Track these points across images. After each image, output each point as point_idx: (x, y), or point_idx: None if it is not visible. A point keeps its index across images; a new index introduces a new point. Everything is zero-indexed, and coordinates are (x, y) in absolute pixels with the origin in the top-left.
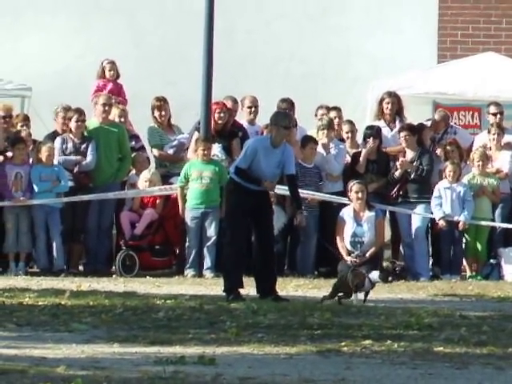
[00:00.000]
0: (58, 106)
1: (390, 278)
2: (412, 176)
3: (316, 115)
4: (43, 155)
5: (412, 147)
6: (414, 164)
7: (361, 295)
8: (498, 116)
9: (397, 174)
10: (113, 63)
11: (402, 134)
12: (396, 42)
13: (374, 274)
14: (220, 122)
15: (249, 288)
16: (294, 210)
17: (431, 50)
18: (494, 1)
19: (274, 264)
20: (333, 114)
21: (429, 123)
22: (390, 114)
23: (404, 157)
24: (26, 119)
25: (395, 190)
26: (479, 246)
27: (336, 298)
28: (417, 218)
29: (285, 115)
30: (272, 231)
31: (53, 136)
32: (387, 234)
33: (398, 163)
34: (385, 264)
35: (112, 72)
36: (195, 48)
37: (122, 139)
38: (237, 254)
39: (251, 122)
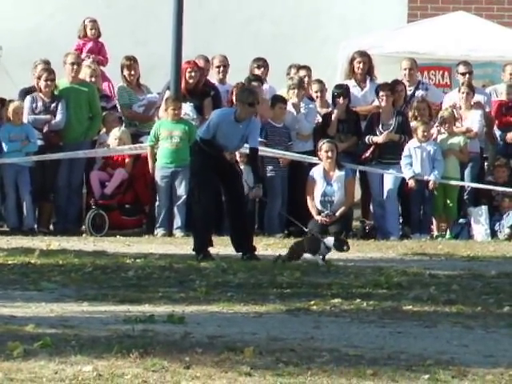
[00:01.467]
0: (36, 60)
1: (344, 247)
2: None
3: (288, 74)
4: (11, 114)
5: (388, 107)
6: (393, 131)
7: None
8: (467, 75)
9: (378, 139)
10: (94, 21)
11: (382, 93)
12: (366, 1)
13: (330, 240)
14: (191, 81)
15: (219, 247)
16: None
17: (401, 10)
18: None
19: (248, 223)
20: (302, 72)
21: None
22: (360, 73)
23: (379, 117)
24: None
25: (369, 152)
26: (449, 205)
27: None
28: (389, 178)
29: (250, 92)
30: (241, 191)
31: (29, 91)
32: (357, 193)
33: (379, 130)
34: (353, 225)
35: (93, 31)
36: (165, 7)
37: (93, 98)
38: (205, 213)
39: (221, 82)
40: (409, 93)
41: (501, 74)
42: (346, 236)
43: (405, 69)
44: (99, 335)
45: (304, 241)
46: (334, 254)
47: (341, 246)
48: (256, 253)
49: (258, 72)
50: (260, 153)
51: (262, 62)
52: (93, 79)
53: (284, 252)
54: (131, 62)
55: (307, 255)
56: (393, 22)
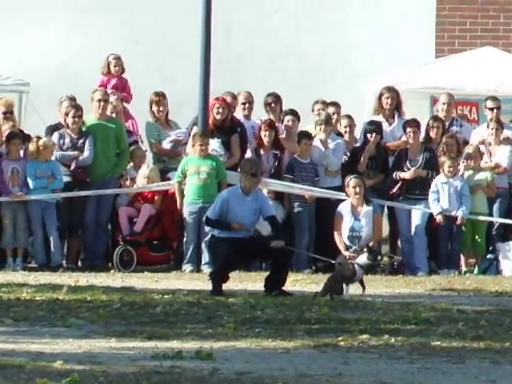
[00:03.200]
0: (62, 96)
1: (379, 258)
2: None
3: (313, 110)
4: (41, 149)
5: (416, 143)
6: (420, 167)
7: (352, 290)
8: (496, 111)
9: (406, 175)
10: (118, 58)
11: (409, 129)
12: (394, 36)
13: (362, 258)
14: (219, 117)
15: (247, 283)
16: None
17: (429, 45)
18: None
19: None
20: (331, 109)
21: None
22: (389, 108)
23: (407, 153)
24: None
25: (397, 187)
26: (478, 241)
27: (327, 295)
28: (417, 213)
29: (252, 162)
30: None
31: (55, 128)
32: (385, 229)
33: (407, 166)
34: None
35: (117, 68)
36: (193, 44)
37: (120, 134)
38: (223, 266)
39: (247, 118)
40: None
41: None
42: (375, 272)
43: (443, 103)
44: (127, 371)
45: (338, 271)
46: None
47: (375, 257)
48: (284, 288)
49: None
50: (287, 189)
51: (273, 97)
52: (113, 115)
53: (318, 288)
54: (160, 98)
55: (346, 291)
56: (421, 57)
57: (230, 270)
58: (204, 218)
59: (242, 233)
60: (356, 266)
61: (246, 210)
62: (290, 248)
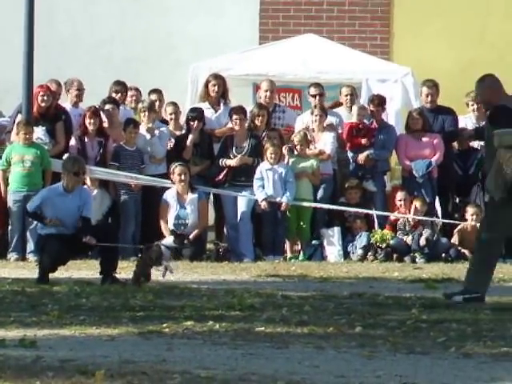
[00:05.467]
0: None
1: (185, 241)
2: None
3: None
4: None
5: (242, 130)
6: (246, 154)
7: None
8: (319, 97)
9: (231, 162)
10: None
11: (235, 116)
12: (218, 23)
13: (168, 240)
14: (43, 104)
15: (72, 271)
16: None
17: (253, 32)
18: None
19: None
20: (154, 96)
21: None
22: (215, 96)
23: (233, 140)
24: None
25: (223, 175)
26: (302, 227)
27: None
28: (242, 200)
29: (74, 161)
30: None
31: None
32: (211, 216)
33: (233, 153)
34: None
35: None
36: (16, 30)
37: None
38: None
39: (75, 105)
40: None
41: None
42: (201, 259)
43: (265, 90)
44: None
45: (144, 255)
46: (187, 277)
47: (181, 241)
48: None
49: (116, 96)
50: (113, 177)
51: (120, 87)
52: None
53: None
54: None
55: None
56: (245, 44)
57: (58, 265)
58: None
59: (64, 229)
60: (162, 247)
61: (68, 207)
62: (103, 244)
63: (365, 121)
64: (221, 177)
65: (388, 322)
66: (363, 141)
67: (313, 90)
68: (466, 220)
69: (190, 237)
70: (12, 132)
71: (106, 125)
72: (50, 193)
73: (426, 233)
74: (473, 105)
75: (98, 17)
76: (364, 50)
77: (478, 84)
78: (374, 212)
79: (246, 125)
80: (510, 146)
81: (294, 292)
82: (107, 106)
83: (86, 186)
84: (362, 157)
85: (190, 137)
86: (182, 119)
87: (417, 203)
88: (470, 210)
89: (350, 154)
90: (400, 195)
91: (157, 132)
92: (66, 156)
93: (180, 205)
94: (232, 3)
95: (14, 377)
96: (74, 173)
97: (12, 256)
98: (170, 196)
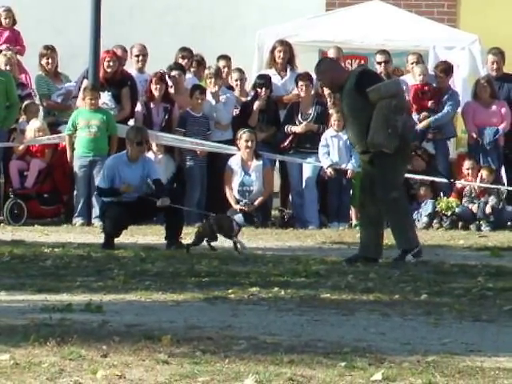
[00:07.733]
0: None
1: (255, 220)
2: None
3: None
4: None
5: (307, 97)
6: (311, 121)
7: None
8: (384, 64)
9: (297, 129)
10: (9, 10)
11: (301, 83)
12: None
13: (239, 218)
14: (109, 70)
15: (137, 236)
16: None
17: None
18: None
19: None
20: (221, 62)
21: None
22: (281, 62)
23: (298, 107)
24: None
25: (288, 141)
26: None
27: (204, 243)
28: (307, 167)
29: (137, 130)
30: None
31: None
32: (276, 182)
33: (298, 120)
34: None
35: (8, 20)
36: None
37: (10, 87)
38: (114, 225)
39: (140, 71)
40: None
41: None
42: (266, 225)
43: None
44: (16, 324)
45: (211, 221)
46: (252, 243)
47: (251, 221)
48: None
49: (182, 62)
50: (178, 143)
51: (187, 53)
52: (8, 68)
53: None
54: (49, 52)
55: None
56: (311, 10)
57: (121, 230)
58: (96, 191)
59: (130, 195)
60: (234, 222)
61: (132, 176)
62: (175, 206)
63: (432, 84)
64: (286, 143)
65: (454, 290)
66: (429, 103)
67: (379, 57)
68: None
69: (255, 203)
70: (78, 97)
71: (171, 91)
72: (115, 161)
73: (492, 201)
74: None
75: None
76: (431, 17)
77: (317, 70)
78: (438, 179)
79: (312, 91)
80: (390, 96)
81: None
82: (173, 72)
83: (151, 152)
84: (422, 125)
85: (257, 103)
86: (248, 86)
87: (484, 172)
88: None
89: (415, 117)
90: (467, 164)
91: (223, 98)
92: (131, 122)
93: (245, 171)
94: None
95: (80, 341)
96: (137, 143)
97: (77, 221)
98: (234, 163)
